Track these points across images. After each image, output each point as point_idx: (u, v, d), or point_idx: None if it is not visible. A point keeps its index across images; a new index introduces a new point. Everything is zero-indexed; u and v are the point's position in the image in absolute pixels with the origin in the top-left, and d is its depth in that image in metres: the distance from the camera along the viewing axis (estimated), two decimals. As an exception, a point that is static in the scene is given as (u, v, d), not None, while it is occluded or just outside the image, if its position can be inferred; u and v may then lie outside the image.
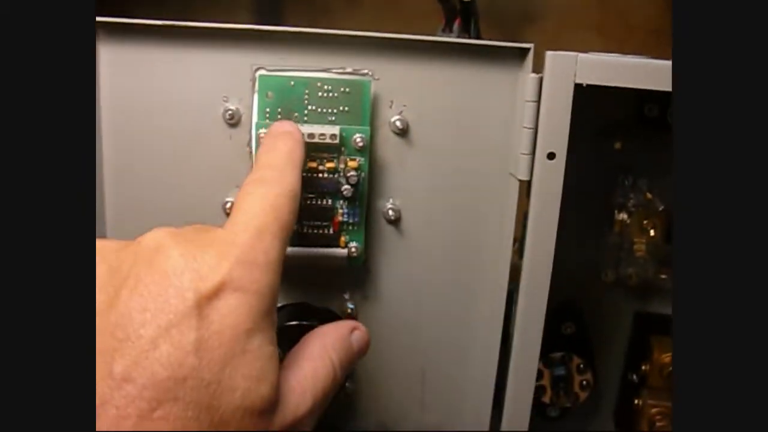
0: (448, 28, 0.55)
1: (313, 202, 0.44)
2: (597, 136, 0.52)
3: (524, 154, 0.44)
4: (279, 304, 0.47)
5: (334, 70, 0.44)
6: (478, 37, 0.53)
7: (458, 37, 0.52)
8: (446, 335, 0.49)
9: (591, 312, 0.56)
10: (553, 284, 0.55)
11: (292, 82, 0.43)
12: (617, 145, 0.52)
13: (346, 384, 0.49)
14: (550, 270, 0.45)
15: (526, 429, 0.48)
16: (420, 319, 0.49)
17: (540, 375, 0.55)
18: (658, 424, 0.55)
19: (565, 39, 0.47)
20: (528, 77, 0.43)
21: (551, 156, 0.43)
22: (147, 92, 0.45)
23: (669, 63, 0.41)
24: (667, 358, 0.54)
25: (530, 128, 0.43)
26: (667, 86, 0.41)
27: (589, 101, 0.47)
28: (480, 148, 0.46)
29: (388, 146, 0.46)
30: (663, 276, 0.54)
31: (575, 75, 0.42)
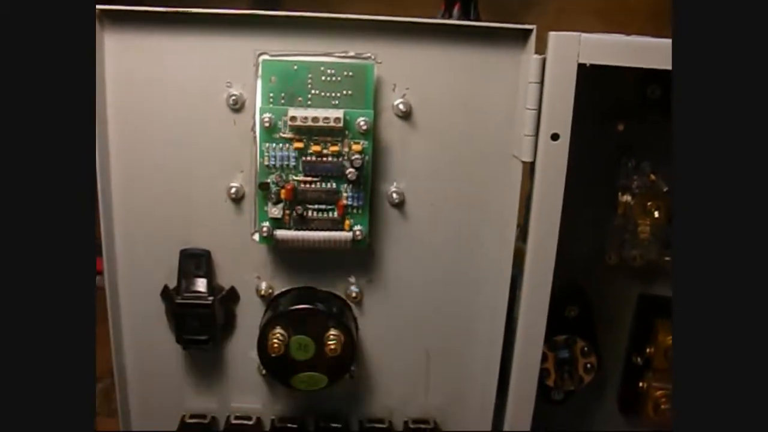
0: (447, 14, 0.55)
1: (318, 186, 0.44)
2: (600, 118, 0.52)
3: (527, 135, 0.44)
4: (284, 288, 0.48)
5: (336, 54, 0.44)
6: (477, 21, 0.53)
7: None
8: (450, 318, 0.50)
9: (595, 294, 0.56)
10: (556, 267, 0.55)
11: (295, 67, 0.43)
12: (620, 127, 0.52)
13: (351, 368, 0.49)
14: (554, 253, 0.45)
15: (531, 414, 0.48)
16: (424, 302, 0.49)
17: (544, 358, 0.55)
18: (663, 406, 0.55)
19: (564, 23, 0.47)
20: (531, 58, 0.43)
21: (555, 137, 0.43)
22: (150, 79, 0.45)
23: (668, 42, 0.41)
24: (671, 340, 0.54)
25: (533, 110, 0.43)
26: (668, 64, 0.41)
27: (592, 83, 0.47)
28: (483, 130, 0.46)
29: (392, 130, 0.46)
30: (668, 258, 0.54)
31: (578, 55, 0.42)
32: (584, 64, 0.42)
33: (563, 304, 0.55)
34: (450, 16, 0.54)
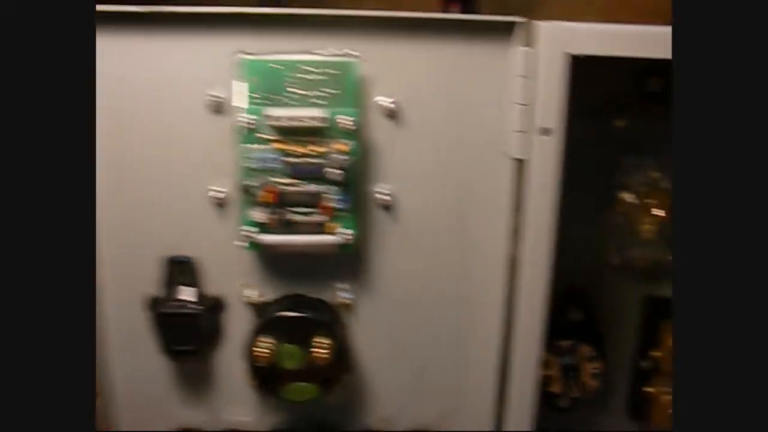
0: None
1: (301, 188, 0.43)
2: (599, 113, 0.50)
3: (517, 131, 0.42)
4: (273, 295, 0.46)
5: (318, 52, 0.43)
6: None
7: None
8: (445, 324, 0.48)
9: (600, 298, 0.54)
10: (559, 269, 0.53)
11: (276, 66, 0.42)
12: (620, 123, 0.50)
13: (346, 377, 0.47)
14: (549, 253, 0.43)
15: (530, 418, 0.46)
16: (418, 307, 0.47)
17: (548, 364, 0.53)
18: (670, 411, 0.52)
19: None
20: (518, 51, 0.41)
21: (546, 132, 0.41)
22: (130, 82, 0.44)
23: (665, 30, 0.39)
24: (671, 341, 0.51)
25: (523, 104, 0.42)
26: (664, 54, 0.39)
27: (589, 77, 0.45)
28: (473, 127, 0.44)
29: (379, 129, 0.44)
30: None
31: (568, 45, 0.40)
32: (575, 56, 0.40)
33: (567, 308, 0.53)
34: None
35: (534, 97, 0.41)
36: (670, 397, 0.53)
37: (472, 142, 0.44)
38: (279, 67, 0.42)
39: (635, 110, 0.50)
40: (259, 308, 0.47)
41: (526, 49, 0.41)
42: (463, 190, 0.45)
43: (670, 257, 0.51)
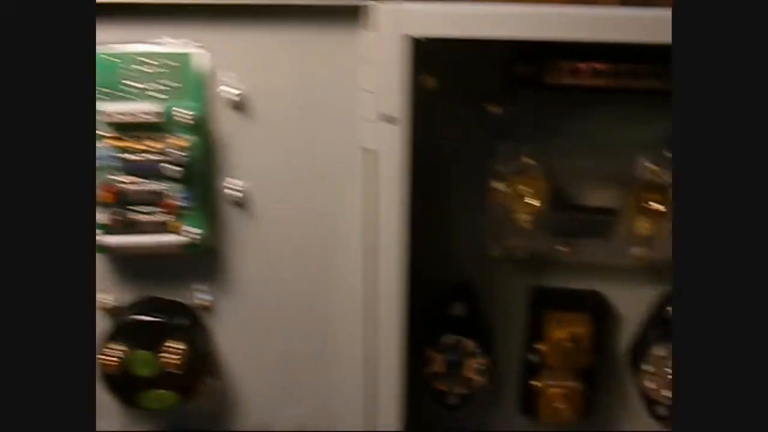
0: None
1: (143, 186, 0.41)
2: (471, 101, 0.48)
3: (367, 120, 0.40)
4: (126, 300, 0.44)
5: (155, 42, 0.41)
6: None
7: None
8: (310, 321, 0.46)
9: (486, 291, 0.53)
10: (440, 264, 0.52)
11: (110, 58, 0.40)
12: (494, 109, 0.48)
13: (211, 381, 0.45)
14: (405, 247, 0.41)
15: (399, 413, 0.45)
16: (281, 307, 0.46)
17: (432, 361, 0.51)
18: (558, 405, 0.51)
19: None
20: (362, 36, 0.39)
21: (390, 120, 0.39)
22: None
23: (516, 9, 0.37)
24: (562, 334, 0.50)
25: (370, 91, 0.40)
26: (514, 33, 0.38)
27: (459, 64, 0.43)
28: (326, 117, 0.42)
29: (227, 122, 0.42)
30: (562, 248, 0.50)
31: (409, 28, 0.38)
32: (417, 39, 0.38)
33: (450, 303, 0.52)
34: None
35: (375, 83, 0.39)
36: (556, 390, 0.51)
37: (325, 133, 0.43)
38: (114, 59, 0.40)
39: (507, 96, 0.48)
40: (113, 313, 0.45)
41: (368, 33, 0.39)
42: (318, 183, 0.43)
43: (558, 247, 0.50)
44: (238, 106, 0.42)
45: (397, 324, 0.43)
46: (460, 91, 0.47)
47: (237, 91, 0.42)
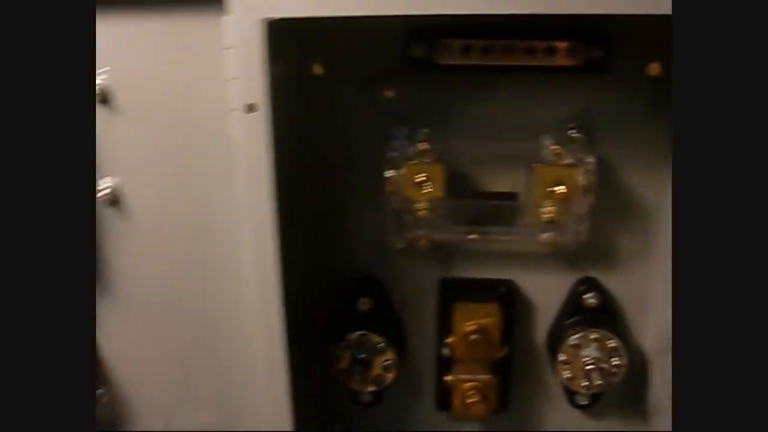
0: None
1: (-1, 188, 0.39)
2: (363, 86, 0.46)
3: (234, 109, 0.38)
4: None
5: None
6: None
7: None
8: (198, 320, 0.44)
9: (393, 284, 0.51)
10: (344, 259, 0.50)
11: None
12: (387, 93, 0.46)
13: (98, 391, 0.43)
14: (274, 238, 0.39)
15: (289, 411, 0.43)
16: (167, 306, 0.44)
17: (338, 359, 0.49)
18: (470, 400, 0.49)
19: None
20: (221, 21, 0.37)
21: (251, 108, 0.37)
22: None
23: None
24: (469, 326, 0.48)
25: (233, 78, 0.38)
26: (372, 11, 0.36)
27: (353, 47, 0.41)
28: (196, 108, 0.41)
29: (91, 117, 0.40)
30: (471, 236, 0.48)
31: (264, 10, 0.36)
32: (275, 20, 0.36)
33: (355, 299, 0.50)
34: None
35: (235, 69, 0.37)
36: (468, 384, 0.49)
37: (196, 124, 0.41)
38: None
39: (401, 79, 0.46)
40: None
41: (226, 17, 0.37)
42: (195, 176, 0.41)
43: (468, 236, 0.48)
44: (103, 98, 0.40)
45: (279, 319, 0.41)
46: (352, 76, 0.45)
47: (100, 83, 0.39)
